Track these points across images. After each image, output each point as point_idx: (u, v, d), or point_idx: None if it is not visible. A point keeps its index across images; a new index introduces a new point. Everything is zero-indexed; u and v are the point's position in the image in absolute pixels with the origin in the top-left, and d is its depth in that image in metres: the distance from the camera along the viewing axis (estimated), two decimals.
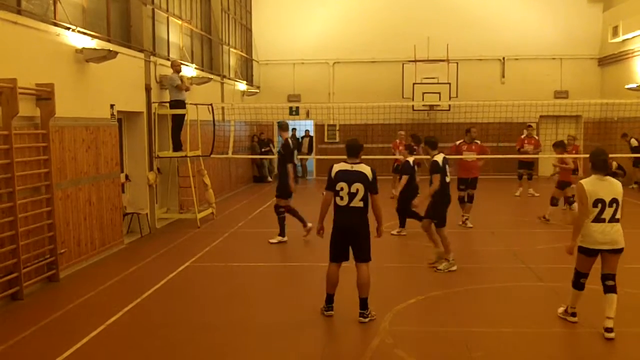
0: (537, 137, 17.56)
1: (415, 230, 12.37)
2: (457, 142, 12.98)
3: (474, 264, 9.76)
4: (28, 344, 6.33)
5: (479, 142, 12.87)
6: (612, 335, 6.09)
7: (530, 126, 17.52)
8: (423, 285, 8.33)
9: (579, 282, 6.40)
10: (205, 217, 13.53)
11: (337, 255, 6.85)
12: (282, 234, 11.17)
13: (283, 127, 11.48)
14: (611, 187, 6.19)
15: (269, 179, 22.40)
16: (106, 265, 9.68)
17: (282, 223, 11.15)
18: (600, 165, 6.24)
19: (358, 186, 6.68)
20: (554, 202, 12.64)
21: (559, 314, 6.74)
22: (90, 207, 9.80)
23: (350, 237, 6.77)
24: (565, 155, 12.68)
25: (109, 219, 10.44)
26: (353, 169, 6.75)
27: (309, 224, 11.09)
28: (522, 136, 17.27)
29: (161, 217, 13.24)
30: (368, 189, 6.69)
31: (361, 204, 6.70)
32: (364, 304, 6.75)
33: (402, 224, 11.81)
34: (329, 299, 6.93)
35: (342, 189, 6.70)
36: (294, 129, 23.70)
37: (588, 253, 6.24)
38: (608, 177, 6.23)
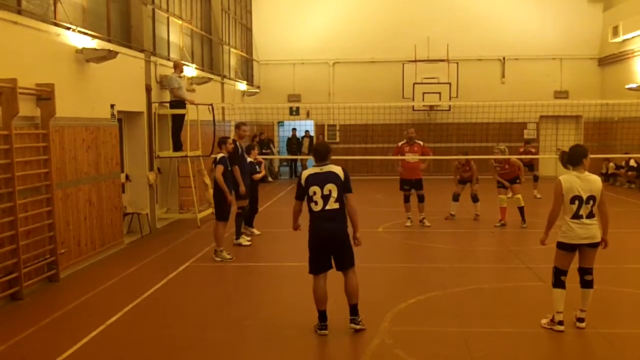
0: (534, 150, 17.67)
1: (414, 230, 12.39)
2: (400, 144, 12.89)
3: (474, 264, 9.78)
4: (28, 344, 6.33)
5: (421, 143, 12.76)
6: (583, 325, 6.29)
7: (528, 142, 17.65)
8: (423, 285, 8.33)
9: (559, 279, 6.32)
10: (206, 217, 13.51)
11: (319, 266, 6.46)
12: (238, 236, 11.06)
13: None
14: (589, 185, 6.19)
15: (269, 178, 22.40)
16: (106, 265, 9.68)
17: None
18: (575, 160, 6.23)
19: (331, 187, 6.39)
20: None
21: (544, 325, 6.39)
22: (91, 207, 9.80)
23: (331, 246, 6.43)
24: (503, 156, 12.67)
25: (109, 219, 10.44)
26: (323, 171, 6.51)
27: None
28: (522, 149, 17.17)
29: (161, 217, 13.24)
30: (342, 189, 6.42)
31: (337, 206, 6.40)
32: (354, 309, 6.45)
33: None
34: (322, 317, 6.44)
35: (314, 193, 6.44)
36: (293, 129, 23.72)
37: (569, 248, 6.30)
38: (587, 174, 6.23)
